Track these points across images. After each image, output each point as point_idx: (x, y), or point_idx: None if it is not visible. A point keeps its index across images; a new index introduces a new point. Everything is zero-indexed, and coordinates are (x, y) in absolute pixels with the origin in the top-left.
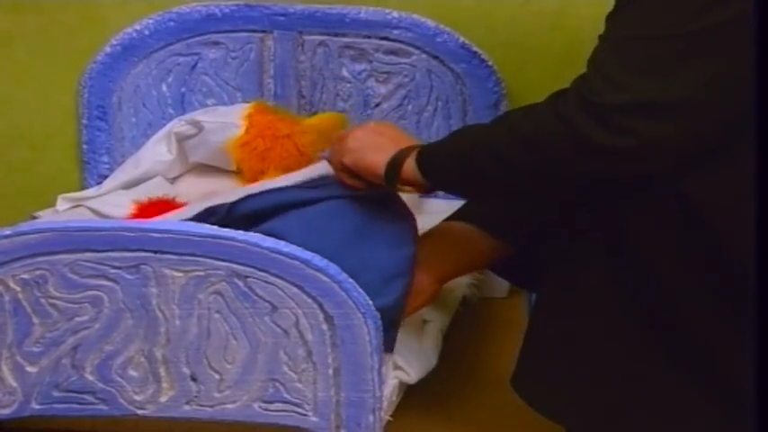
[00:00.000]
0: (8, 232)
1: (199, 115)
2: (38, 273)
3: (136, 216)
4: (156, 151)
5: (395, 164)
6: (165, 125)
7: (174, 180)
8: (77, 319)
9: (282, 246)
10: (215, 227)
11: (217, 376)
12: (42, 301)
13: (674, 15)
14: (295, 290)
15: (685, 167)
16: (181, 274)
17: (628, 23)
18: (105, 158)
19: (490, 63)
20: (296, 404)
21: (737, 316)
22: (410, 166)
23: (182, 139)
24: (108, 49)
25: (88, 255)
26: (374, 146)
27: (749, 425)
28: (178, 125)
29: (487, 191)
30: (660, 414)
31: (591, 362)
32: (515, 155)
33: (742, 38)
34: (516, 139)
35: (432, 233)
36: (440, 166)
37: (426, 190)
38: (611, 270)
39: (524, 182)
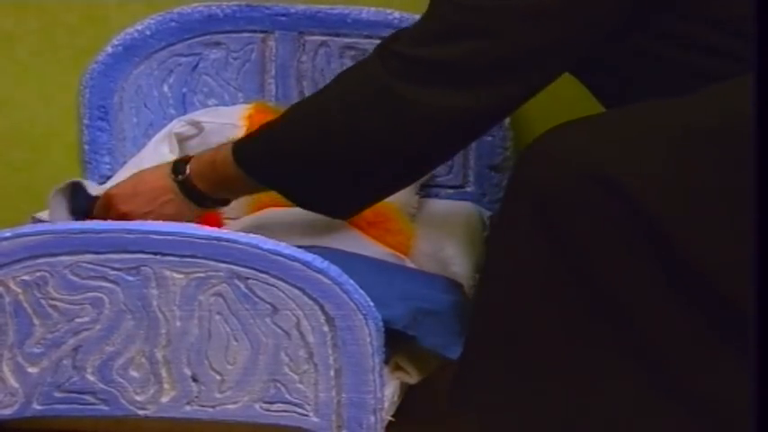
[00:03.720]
0: (8, 234)
1: (199, 116)
2: (38, 274)
3: None
4: (159, 152)
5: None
6: (166, 125)
7: None
8: (78, 320)
9: (283, 248)
10: (214, 228)
11: (218, 377)
12: (43, 302)
13: None
14: (296, 291)
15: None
16: (181, 276)
17: None
18: (107, 159)
19: None
20: (297, 405)
21: (687, 310)
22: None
23: (182, 141)
24: (109, 50)
25: (88, 256)
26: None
27: (707, 427)
28: (178, 126)
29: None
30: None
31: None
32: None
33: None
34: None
35: None
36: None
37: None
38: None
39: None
